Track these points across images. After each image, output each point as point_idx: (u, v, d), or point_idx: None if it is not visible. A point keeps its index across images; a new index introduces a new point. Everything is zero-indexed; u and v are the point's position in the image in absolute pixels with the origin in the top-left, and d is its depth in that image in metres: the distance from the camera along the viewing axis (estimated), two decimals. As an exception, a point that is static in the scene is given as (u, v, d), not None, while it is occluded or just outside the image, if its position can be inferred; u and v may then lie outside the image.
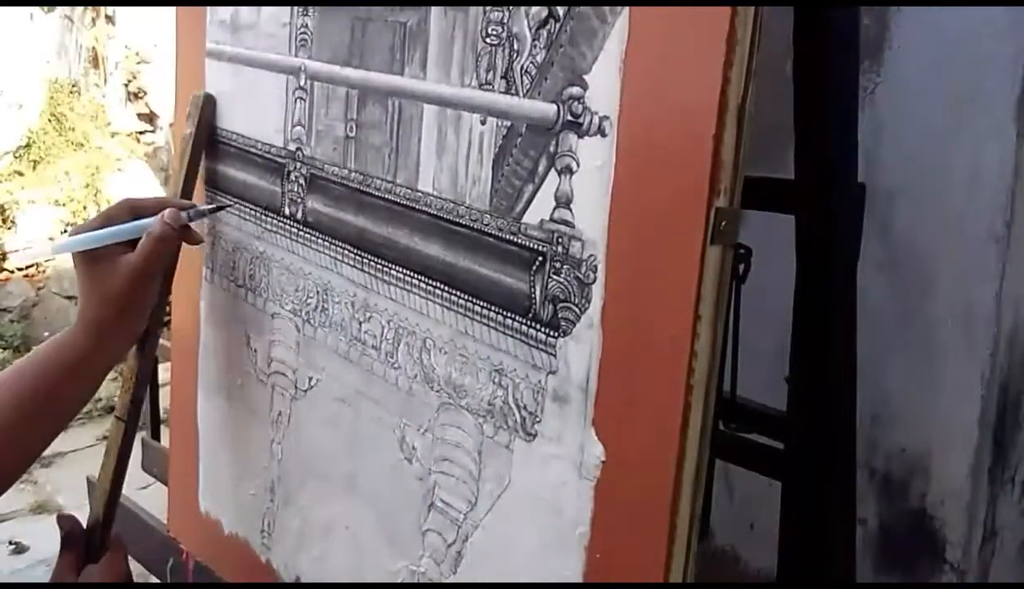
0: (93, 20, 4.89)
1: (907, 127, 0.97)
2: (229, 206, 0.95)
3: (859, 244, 0.73)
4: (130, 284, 0.81)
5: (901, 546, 1.03)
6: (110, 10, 4.96)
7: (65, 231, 4.76)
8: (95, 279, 0.81)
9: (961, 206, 0.94)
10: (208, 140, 0.98)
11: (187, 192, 0.97)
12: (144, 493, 1.44)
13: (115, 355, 0.85)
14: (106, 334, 0.82)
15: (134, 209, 0.84)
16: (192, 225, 0.85)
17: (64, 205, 4.82)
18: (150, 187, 4.91)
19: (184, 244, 0.88)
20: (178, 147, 0.93)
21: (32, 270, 4.62)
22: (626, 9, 0.58)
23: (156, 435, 1.49)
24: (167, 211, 0.83)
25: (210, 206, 0.90)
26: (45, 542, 3.04)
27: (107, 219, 0.83)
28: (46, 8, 4.75)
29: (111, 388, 4.58)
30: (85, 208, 4.85)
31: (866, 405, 0.77)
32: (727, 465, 0.82)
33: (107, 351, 0.83)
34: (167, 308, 0.94)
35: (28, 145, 4.75)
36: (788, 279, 0.73)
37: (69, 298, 4.72)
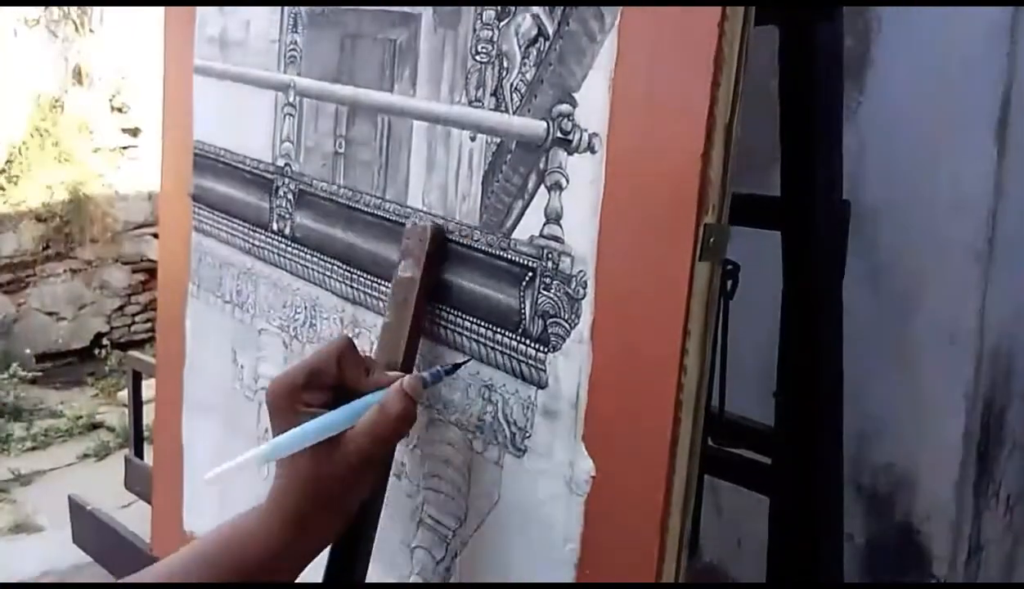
0: (77, 28, 4.88)
1: (890, 146, 0.98)
2: (469, 360, 0.69)
3: (844, 260, 0.74)
4: (349, 471, 0.62)
5: (888, 561, 1.03)
6: (95, 24, 4.95)
7: (46, 247, 4.72)
8: (300, 460, 0.63)
9: (944, 224, 0.95)
10: (433, 286, 0.71)
11: (410, 350, 0.71)
12: (127, 511, 1.43)
13: (315, 552, 0.66)
14: (309, 529, 0.64)
15: (344, 362, 0.64)
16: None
17: (46, 221, 4.79)
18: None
19: None
20: (396, 294, 0.71)
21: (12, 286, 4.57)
22: (615, 28, 0.58)
23: (139, 453, 1.48)
24: (407, 380, 0.63)
25: (456, 362, 0.68)
26: (23, 563, 2.99)
27: (311, 374, 0.64)
28: (30, 22, 4.74)
29: (92, 404, 4.52)
30: (68, 222, 4.81)
31: (852, 421, 0.77)
32: (715, 481, 0.82)
33: (307, 549, 0.65)
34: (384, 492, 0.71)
35: (10, 160, 4.72)
36: (775, 295, 0.73)
37: (50, 314, 4.66)
